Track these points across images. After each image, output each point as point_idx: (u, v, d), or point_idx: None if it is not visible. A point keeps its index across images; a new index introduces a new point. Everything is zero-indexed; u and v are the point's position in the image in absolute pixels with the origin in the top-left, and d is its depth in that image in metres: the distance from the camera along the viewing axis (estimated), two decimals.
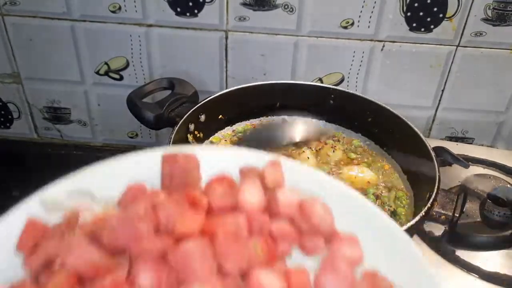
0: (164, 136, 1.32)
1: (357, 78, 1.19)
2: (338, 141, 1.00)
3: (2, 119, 1.32)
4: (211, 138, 0.99)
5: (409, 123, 0.91)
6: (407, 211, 0.85)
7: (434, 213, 0.77)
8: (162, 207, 0.37)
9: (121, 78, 1.22)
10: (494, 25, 1.10)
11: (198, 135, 0.95)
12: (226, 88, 1.00)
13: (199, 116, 0.94)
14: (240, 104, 1.00)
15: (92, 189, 0.43)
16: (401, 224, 0.81)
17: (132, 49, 1.17)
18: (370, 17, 1.10)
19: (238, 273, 0.36)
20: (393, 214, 0.84)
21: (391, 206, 0.85)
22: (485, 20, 1.09)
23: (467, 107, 1.24)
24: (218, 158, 0.43)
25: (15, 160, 1.33)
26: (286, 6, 1.09)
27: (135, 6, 1.10)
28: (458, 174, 1.06)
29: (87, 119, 1.31)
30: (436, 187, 0.78)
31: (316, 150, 0.96)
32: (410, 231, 0.72)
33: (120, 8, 1.11)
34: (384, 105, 0.96)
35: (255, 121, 1.05)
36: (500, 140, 1.30)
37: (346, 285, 0.36)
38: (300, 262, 0.39)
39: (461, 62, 1.16)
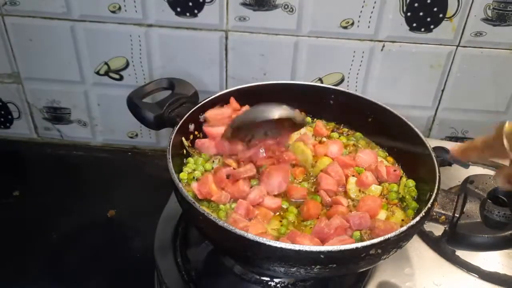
0: (164, 136, 1.32)
1: (357, 78, 1.19)
2: (342, 133, 1.01)
3: (2, 119, 1.32)
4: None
5: (409, 123, 0.91)
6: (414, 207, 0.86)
7: (434, 213, 0.77)
8: None
9: (121, 78, 1.22)
10: (494, 25, 1.10)
11: (198, 135, 0.95)
12: (226, 88, 1.00)
13: (199, 116, 0.94)
14: (240, 104, 1.00)
15: None
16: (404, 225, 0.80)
17: (132, 49, 1.17)
18: (370, 17, 1.10)
19: None
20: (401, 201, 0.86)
21: (399, 193, 0.87)
22: (485, 20, 1.09)
23: (467, 107, 1.24)
24: None
25: (15, 160, 1.33)
26: (286, 6, 1.09)
27: (135, 6, 1.10)
28: (458, 174, 1.06)
29: (87, 119, 1.31)
30: (436, 187, 0.77)
31: (320, 142, 0.97)
32: (411, 231, 0.72)
33: (120, 8, 1.11)
34: (384, 105, 0.96)
35: None
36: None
37: None
38: None
39: (461, 62, 1.16)
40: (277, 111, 0.81)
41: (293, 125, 0.85)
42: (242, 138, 0.87)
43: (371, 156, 0.93)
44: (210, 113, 0.95)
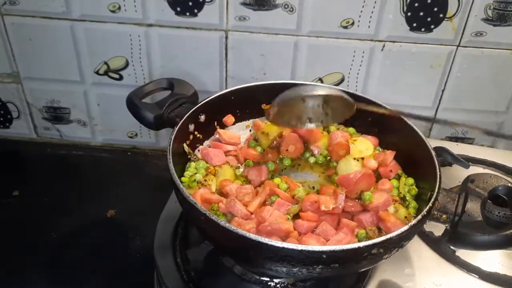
0: (164, 136, 1.32)
1: (357, 78, 1.19)
2: (338, 129, 1.01)
3: (1, 119, 1.32)
4: (210, 139, 0.99)
5: (409, 123, 0.91)
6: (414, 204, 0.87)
7: (436, 213, 0.77)
8: None
9: (121, 78, 1.22)
10: (494, 25, 1.10)
11: (198, 135, 0.95)
12: (226, 88, 1.00)
13: (199, 116, 0.94)
14: (240, 104, 1.00)
15: None
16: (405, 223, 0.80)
17: (131, 49, 1.17)
18: (371, 17, 1.10)
19: None
20: (403, 200, 0.86)
21: (400, 193, 0.87)
22: (486, 20, 1.09)
23: (468, 107, 1.24)
24: None
25: (15, 160, 1.33)
26: (286, 6, 1.09)
27: (135, 6, 1.10)
28: (458, 174, 1.06)
29: (87, 119, 1.30)
30: (437, 187, 0.78)
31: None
32: (413, 231, 0.72)
33: (119, 8, 1.11)
34: (384, 105, 0.96)
35: (255, 121, 1.05)
36: (500, 140, 1.30)
37: None
38: None
39: (461, 62, 1.16)
40: (324, 89, 0.81)
41: (342, 110, 0.84)
42: (286, 122, 0.86)
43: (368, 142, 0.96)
44: (225, 133, 0.98)
